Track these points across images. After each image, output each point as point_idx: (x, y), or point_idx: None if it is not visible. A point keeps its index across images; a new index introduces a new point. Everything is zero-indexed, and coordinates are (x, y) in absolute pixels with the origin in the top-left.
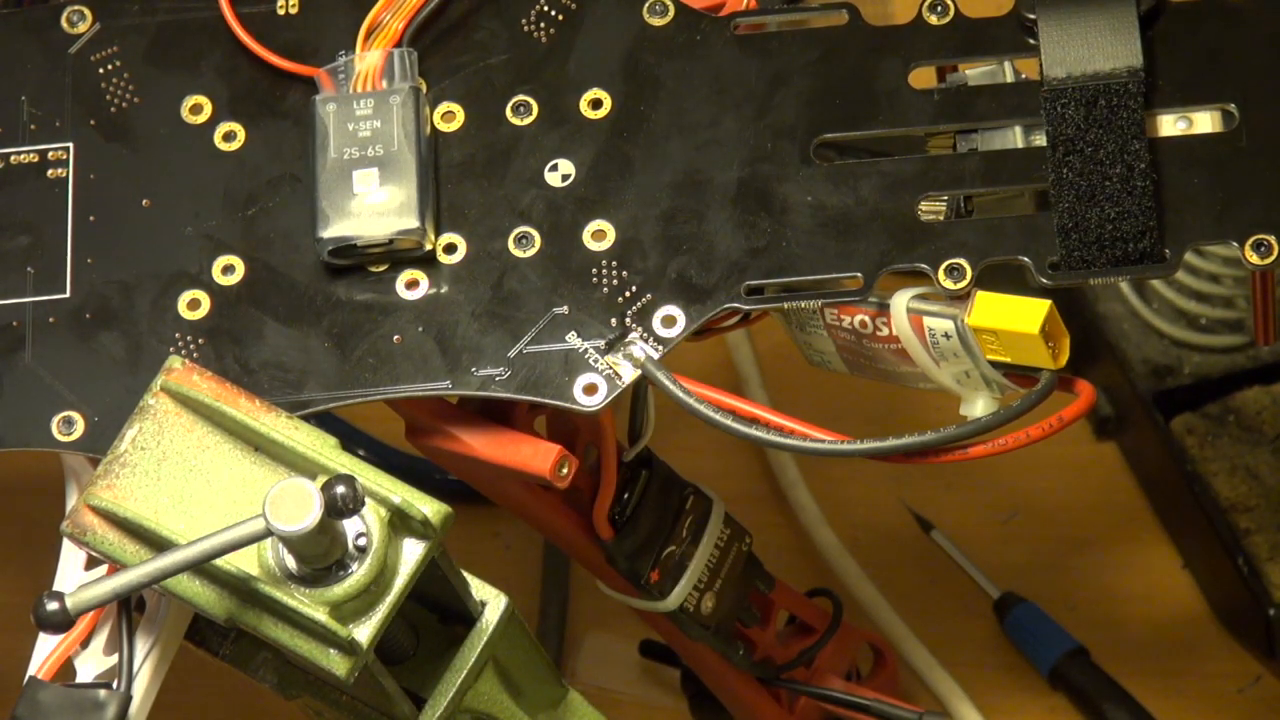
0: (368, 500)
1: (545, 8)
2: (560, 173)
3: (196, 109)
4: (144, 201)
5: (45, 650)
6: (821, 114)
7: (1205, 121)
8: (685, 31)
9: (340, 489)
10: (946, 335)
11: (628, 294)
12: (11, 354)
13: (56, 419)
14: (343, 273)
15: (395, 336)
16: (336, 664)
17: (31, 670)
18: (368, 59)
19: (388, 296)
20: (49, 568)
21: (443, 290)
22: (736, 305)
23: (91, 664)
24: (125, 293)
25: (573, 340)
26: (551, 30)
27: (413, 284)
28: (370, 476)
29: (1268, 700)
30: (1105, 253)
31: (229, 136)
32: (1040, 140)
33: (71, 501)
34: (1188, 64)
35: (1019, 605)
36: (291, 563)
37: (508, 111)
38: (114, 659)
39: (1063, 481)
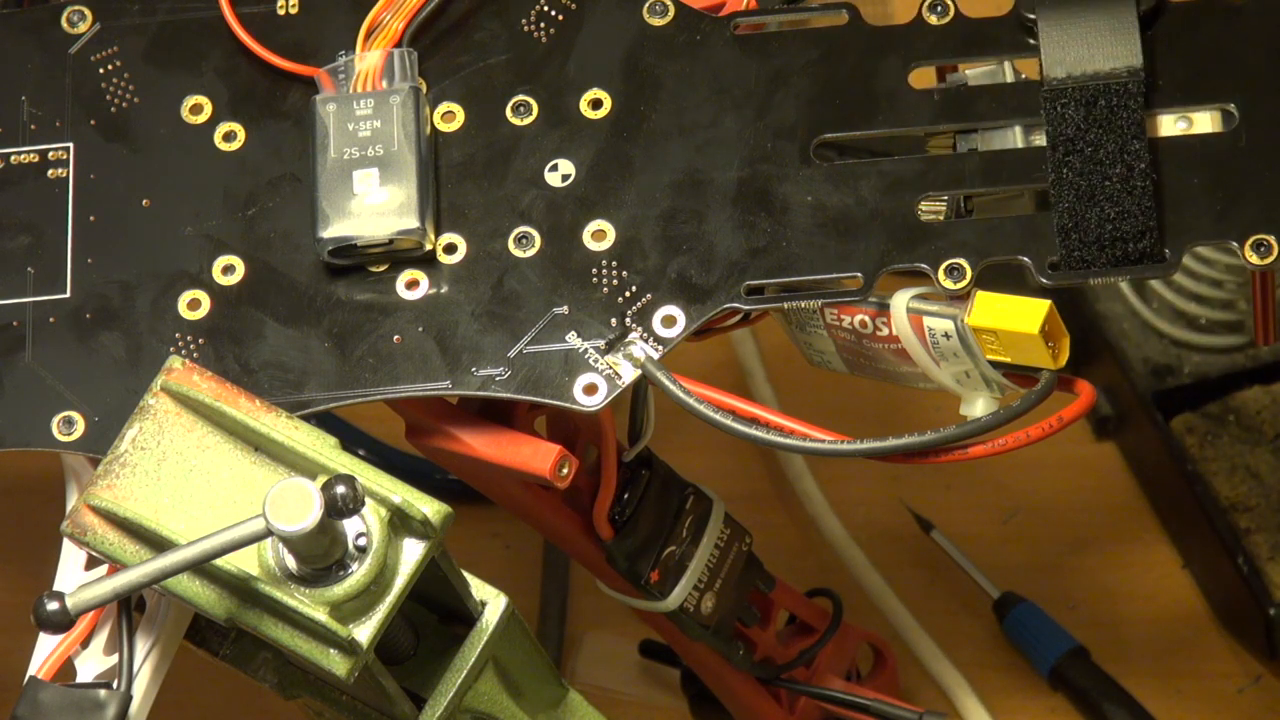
0: (368, 500)
1: (545, 8)
2: (560, 173)
3: (196, 109)
4: (144, 201)
5: (45, 650)
6: (821, 114)
7: (1205, 121)
8: (685, 31)
9: (340, 489)
10: (946, 335)
11: (628, 294)
12: (11, 354)
13: (56, 419)
14: (343, 273)
15: (395, 336)
16: (336, 664)
17: (31, 670)
18: (368, 59)
19: (388, 296)
20: (49, 568)
21: (443, 290)
22: (736, 305)
23: (91, 664)
24: (125, 293)
25: (573, 340)
26: (551, 30)
27: (413, 284)
28: (370, 476)
29: (1268, 700)
30: (1105, 253)
31: (229, 136)
32: (1040, 140)
33: (71, 501)
34: (1188, 64)
35: (1019, 605)
36: (291, 563)
37: (508, 111)
38: (114, 659)
39: (1063, 481)
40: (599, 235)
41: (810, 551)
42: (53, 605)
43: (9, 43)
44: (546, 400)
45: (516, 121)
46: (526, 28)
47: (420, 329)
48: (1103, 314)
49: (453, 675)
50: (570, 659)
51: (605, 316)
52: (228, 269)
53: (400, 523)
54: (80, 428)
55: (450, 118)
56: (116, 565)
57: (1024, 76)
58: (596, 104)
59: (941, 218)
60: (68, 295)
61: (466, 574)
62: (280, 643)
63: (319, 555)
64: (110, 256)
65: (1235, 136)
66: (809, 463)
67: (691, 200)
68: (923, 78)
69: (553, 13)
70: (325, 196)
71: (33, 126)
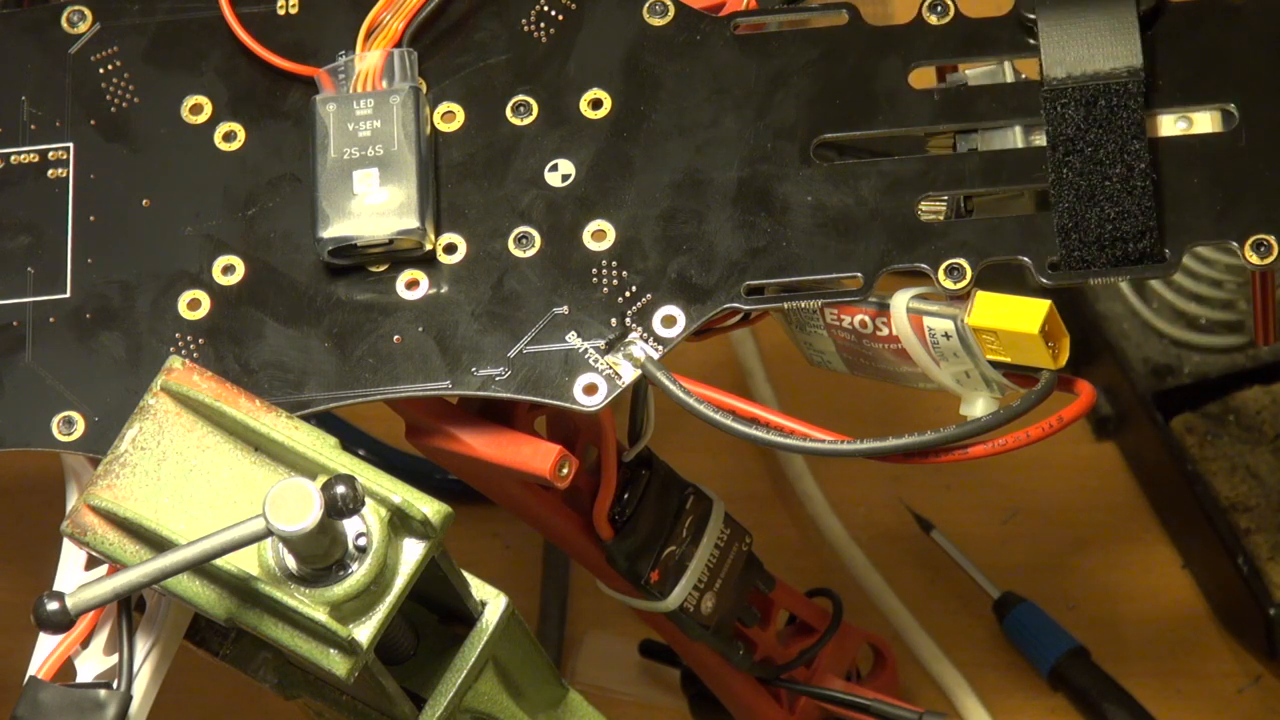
0: (368, 500)
1: (545, 8)
2: (560, 173)
3: (196, 109)
4: (144, 201)
5: (45, 650)
6: (821, 114)
7: (1205, 121)
8: (685, 31)
9: (340, 489)
10: (946, 335)
11: (628, 294)
12: (11, 354)
13: (56, 419)
14: (343, 273)
15: (395, 336)
16: (336, 664)
17: (31, 670)
18: (368, 59)
19: (388, 296)
20: (49, 568)
21: (443, 290)
22: (736, 305)
23: (91, 664)
24: (125, 293)
25: (573, 340)
26: (551, 30)
27: (413, 284)
28: (370, 476)
29: (1268, 700)
30: (1105, 253)
31: (229, 136)
32: (1040, 140)
33: (71, 501)
34: (1188, 64)
35: (1019, 605)
36: (291, 563)
37: (508, 111)
38: (114, 659)
39: (1063, 481)
40: (599, 235)
41: (810, 551)
42: (53, 605)
43: (9, 43)
44: (546, 400)
45: (516, 121)
46: (526, 28)
47: (420, 329)
48: (1103, 314)
49: (453, 675)
50: (570, 659)
51: (605, 316)
52: (228, 269)
53: (400, 523)
54: (80, 428)
55: (450, 118)
56: (116, 565)
57: (1024, 76)
58: (596, 104)
59: (941, 218)
60: (68, 295)
61: (466, 574)
62: (280, 643)
63: (319, 555)
64: (110, 256)
65: (1235, 136)
66: (809, 463)
67: (691, 200)
68: (923, 78)
69: (553, 13)
70: (325, 196)
71: (33, 126)
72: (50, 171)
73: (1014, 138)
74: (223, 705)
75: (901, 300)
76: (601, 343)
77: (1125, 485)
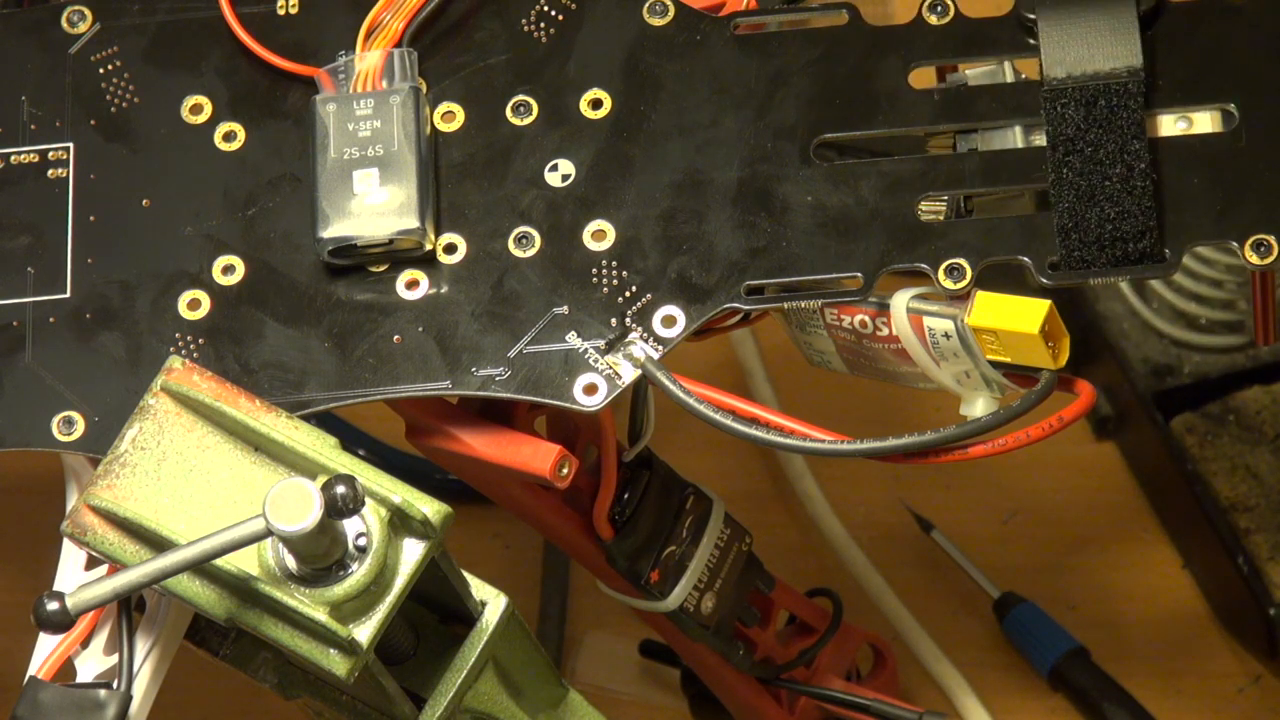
0: (368, 500)
1: (545, 8)
2: (560, 173)
3: (196, 109)
4: (144, 201)
5: (45, 650)
6: (821, 114)
7: (1205, 121)
8: (685, 31)
9: (340, 489)
10: (946, 335)
11: (628, 294)
12: (11, 354)
13: (56, 419)
14: (343, 273)
15: (395, 336)
16: (336, 664)
17: (31, 670)
18: (368, 59)
19: (388, 296)
20: (49, 568)
21: (443, 290)
22: (736, 305)
23: (91, 664)
24: (125, 293)
25: (573, 340)
26: (551, 30)
27: (413, 284)
28: (370, 476)
29: (1268, 700)
30: (1105, 253)
31: (229, 136)
32: (1040, 140)
33: (71, 501)
34: (1188, 64)
35: (1019, 605)
36: (291, 563)
37: (508, 111)
38: (114, 659)
39: (1063, 481)
40: (599, 235)
41: (810, 551)
42: (53, 605)
43: (9, 43)
44: (546, 400)
45: (516, 121)
46: (526, 28)
47: (420, 329)
48: (1103, 314)
49: (453, 675)
50: (570, 659)
51: (605, 316)
52: (228, 269)
53: (400, 523)
54: (80, 428)
55: (450, 118)
56: (116, 565)
57: (1024, 76)
58: (596, 104)
59: (941, 218)
60: (68, 295)
61: (466, 574)
62: (280, 643)
63: (319, 555)
64: (110, 256)
65: (1235, 136)
66: (809, 463)
67: (691, 200)
68: (923, 78)
69: (553, 13)
70: (325, 196)
71: (33, 126)
72: (50, 171)
73: (1014, 138)
74: (223, 705)
75: (901, 300)
76: (601, 343)
77: (1125, 485)
